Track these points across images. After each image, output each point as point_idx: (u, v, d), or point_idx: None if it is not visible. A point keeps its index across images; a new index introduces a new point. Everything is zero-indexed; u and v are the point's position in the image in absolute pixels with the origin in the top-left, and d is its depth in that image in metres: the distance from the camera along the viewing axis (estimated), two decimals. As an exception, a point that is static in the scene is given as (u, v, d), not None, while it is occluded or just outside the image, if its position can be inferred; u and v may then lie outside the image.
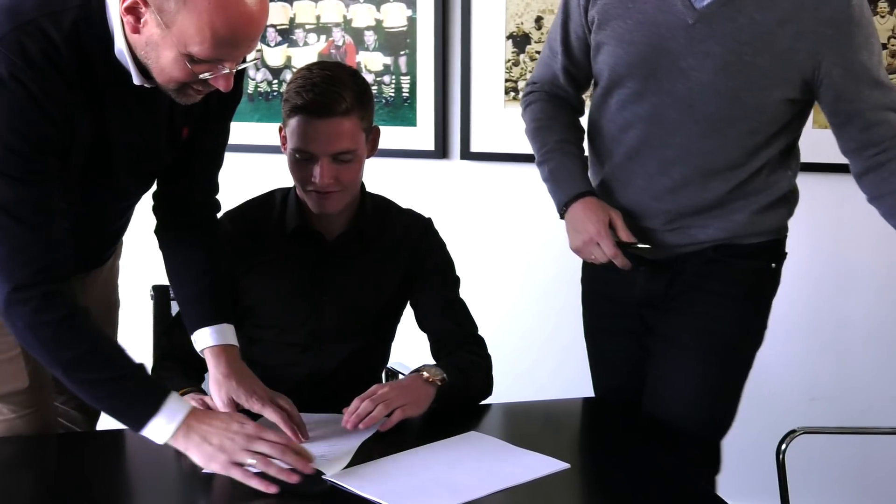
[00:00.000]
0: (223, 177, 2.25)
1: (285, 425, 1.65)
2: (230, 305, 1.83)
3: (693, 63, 1.77)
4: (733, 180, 1.84)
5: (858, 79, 1.75)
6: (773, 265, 1.95)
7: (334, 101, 1.79)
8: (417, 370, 1.80)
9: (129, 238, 2.48)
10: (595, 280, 2.06)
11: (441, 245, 2.03)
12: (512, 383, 2.07)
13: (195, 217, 1.85)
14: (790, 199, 1.96)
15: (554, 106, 2.01)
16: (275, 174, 2.09)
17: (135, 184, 1.75)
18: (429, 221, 2.04)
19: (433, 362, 1.88)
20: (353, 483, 1.50)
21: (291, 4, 2.86)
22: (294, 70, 2.87)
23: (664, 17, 1.79)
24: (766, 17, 1.74)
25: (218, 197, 1.89)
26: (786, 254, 1.99)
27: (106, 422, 2.06)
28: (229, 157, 2.39)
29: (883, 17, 2.53)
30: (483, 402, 1.91)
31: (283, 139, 1.90)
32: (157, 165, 1.74)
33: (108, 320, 2.05)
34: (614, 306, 2.03)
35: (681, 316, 1.92)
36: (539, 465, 1.58)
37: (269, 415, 1.67)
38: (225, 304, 1.81)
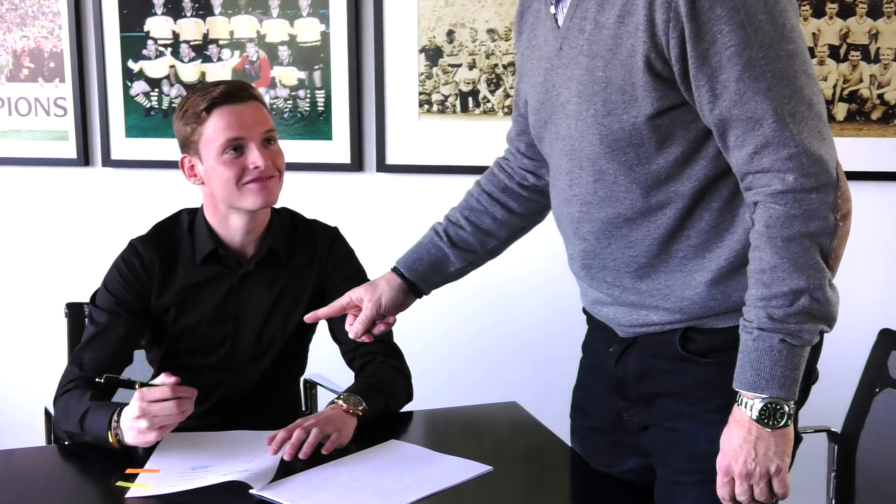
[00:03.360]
0: (136, 194, 2.20)
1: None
2: None
3: (566, 94, 1.46)
4: (657, 230, 1.43)
5: (716, 69, 1.29)
6: None
7: (247, 87, 1.89)
8: (335, 400, 1.79)
9: (43, 255, 2.44)
10: (585, 346, 1.75)
11: (350, 254, 2.04)
12: (431, 390, 2.09)
13: None
14: None
15: None
16: (191, 190, 2.08)
17: None
18: (335, 231, 2.05)
19: (350, 384, 1.87)
20: (281, 495, 1.51)
21: (205, 20, 2.85)
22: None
23: (548, 47, 1.51)
24: (607, 16, 1.38)
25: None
26: None
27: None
28: (145, 175, 2.36)
29: (805, 20, 2.62)
30: (404, 410, 1.93)
31: (192, 167, 1.90)
32: None
33: None
34: (599, 382, 1.67)
35: (666, 433, 1.51)
36: (462, 469, 1.62)
37: None
38: None
